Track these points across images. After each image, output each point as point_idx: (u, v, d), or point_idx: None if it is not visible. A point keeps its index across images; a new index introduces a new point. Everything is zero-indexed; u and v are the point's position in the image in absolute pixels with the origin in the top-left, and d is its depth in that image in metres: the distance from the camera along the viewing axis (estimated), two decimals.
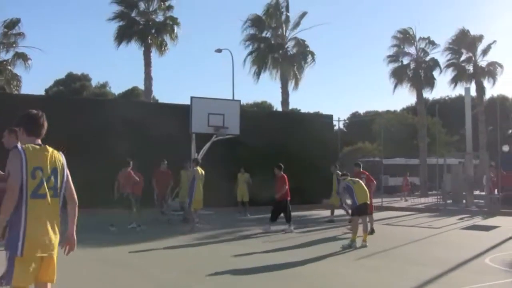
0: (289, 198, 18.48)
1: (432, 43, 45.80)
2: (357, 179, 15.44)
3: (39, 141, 5.58)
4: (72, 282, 9.10)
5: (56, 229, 5.42)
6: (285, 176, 18.54)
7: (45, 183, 5.33)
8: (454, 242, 16.15)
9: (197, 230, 17.82)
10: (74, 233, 5.64)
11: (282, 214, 18.45)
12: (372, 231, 17.07)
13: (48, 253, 5.34)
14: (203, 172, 18.90)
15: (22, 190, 5.21)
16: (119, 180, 18.94)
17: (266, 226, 18.22)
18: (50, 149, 5.54)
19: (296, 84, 42.18)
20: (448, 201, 30.48)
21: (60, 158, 5.61)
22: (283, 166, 18.94)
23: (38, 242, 5.22)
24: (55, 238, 5.39)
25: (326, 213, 22.34)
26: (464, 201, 29.54)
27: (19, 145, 5.45)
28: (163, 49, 41.02)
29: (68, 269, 10.70)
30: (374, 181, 18.55)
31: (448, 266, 11.07)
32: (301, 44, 41.99)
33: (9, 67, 39.67)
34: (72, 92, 68.78)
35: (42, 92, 69.55)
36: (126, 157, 19.26)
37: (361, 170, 18.72)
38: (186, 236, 16.59)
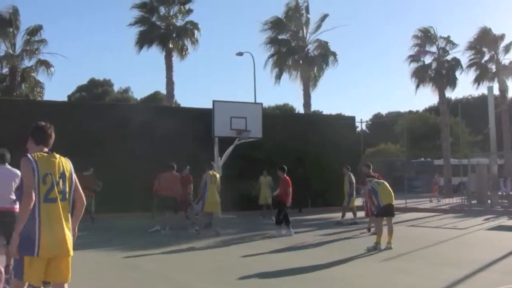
0: (288, 203, 18.33)
1: (451, 42, 45.54)
2: (382, 180, 15.30)
3: (47, 150, 5.92)
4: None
5: (67, 230, 5.77)
6: (288, 179, 18.35)
7: (55, 188, 5.70)
8: (480, 243, 16.04)
9: (200, 234, 17.89)
10: (76, 228, 5.99)
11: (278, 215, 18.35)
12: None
13: (62, 253, 5.71)
14: (218, 175, 19.04)
15: (35, 195, 5.56)
16: (159, 182, 19.31)
17: (278, 231, 17.87)
18: (58, 156, 5.89)
19: (317, 85, 42.22)
20: (473, 202, 30.23)
21: (67, 164, 5.95)
22: (286, 169, 18.75)
23: (52, 244, 5.58)
24: (68, 239, 5.76)
25: (350, 215, 22.22)
26: (489, 201, 29.29)
27: (28, 154, 5.78)
28: (184, 53, 41.15)
29: (97, 274, 10.80)
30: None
31: (475, 267, 10.98)
32: (323, 46, 41.91)
33: (33, 74, 39.98)
34: (94, 98, 69.21)
35: (65, 98, 70.15)
36: (166, 161, 19.77)
37: (371, 171, 18.84)
38: (209, 239, 16.60)
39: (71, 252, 5.81)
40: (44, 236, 5.55)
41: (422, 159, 53.24)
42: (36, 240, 5.52)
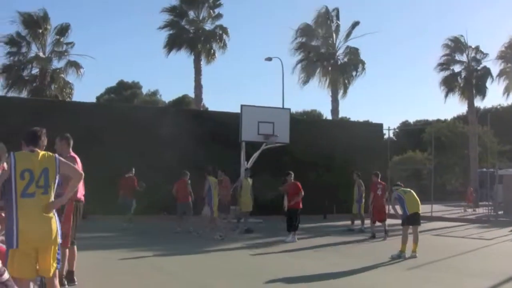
0: (299, 207, 18.11)
1: (481, 52, 45.24)
2: (409, 189, 15.22)
3: (36, 149, 6.43)
4: None
5: (51, 222, 6.17)
6: (298, 184, 18.11)
7: (34, 183, 6.13)
8: (507, 254, 15.94)
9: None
10: (62, 200, 6.50)
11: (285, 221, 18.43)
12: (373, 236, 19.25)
13: (44, 245, 6.12)
14: (249, 181, 19.39)
15: (12, 191, 6.05)
16: (177, 189, 19.98)
17: (290, 238, 17.73)
18: (42, 153, 6.37)
19: (345, 92, 42.25)
20: (499, 212, 29.98)
21: (52, 160, 6.38)
22: (293, 173, 18.70)
23: (30, 236, 5.99)
24: (49, 232, 6.14)
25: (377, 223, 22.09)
26: None
27: (12, 152, 6.28)
28: (212, 57, 41.39)
29: (118, 276, 10.92)
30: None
31: (501, 279, 10.92)
32: (353, 53, 41.99)
33: (62, 75, 40.38)
34: (123, 100, 69.64)
35: (94, 100, 70.69)
36: (182, 168, 20.38)
37: (379, 180, 20.00)
38: (231, 243, 16.68)
39: (56, 243, 6.21)
40: (23, 229, 5.95)
41: (484, 169, 52.80)
42: (14, 233, 5.96)
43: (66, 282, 9.03)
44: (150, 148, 24.68)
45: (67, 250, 9.08)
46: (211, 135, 25.97)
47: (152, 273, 11.34)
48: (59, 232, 6.34)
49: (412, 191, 14.97)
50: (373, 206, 20.04)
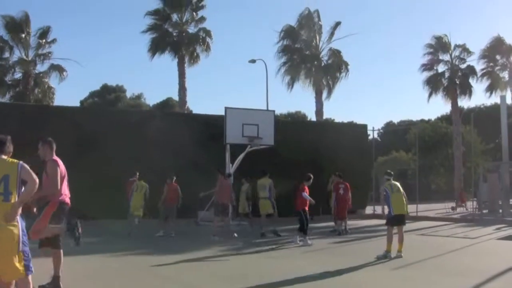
0: (303, 208, 17.81)
1: (467, 50, 45.50)
2: (398, 184, 14.96)
3: (4, 157, 6.61)
4: None
5: (8, 231, 6.20)
6: (304, 186, 17.88)
7: None
8: (491, 253, 16.01)
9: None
10: (15, 207, 6.33)
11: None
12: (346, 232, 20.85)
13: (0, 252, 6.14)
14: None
15: None
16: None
17: (303, 240, 17.51)
18: (4, 160, 6.47)
19: (330, 94, 42.35)
20: (484, 211, 30.13)
21: (13, 166, 6.42)
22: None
23: None
24: (6, 240, 6.18)
25: (361, 223, 22.23)
26: (500, 210, 29.19)
27: None
28: (196, 60, 41.43)
29: (112, 281, 10.88)
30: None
31: (485, 277, 10.95)
32: (336, 55, 42.12)
33: (45, 79, 40.27)
34: (107, 104, 69.44)
35: (78, 104, 70.45)
36: (169, 171, 20.58)
37: (341, 180, 21.55)
38: (225, 246, 16.68)
39: (14, 252, 6.21)
40: None
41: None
42: None
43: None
44: (140, 151, 24.52)
45: (61, 254, 9.09)
46: (197, 137, 25.93)
47: (147, 277, 11.32)
48: (22, 240, 6.37)
49: (400, 189, 14.81)
50: (336, 205, 21.28)
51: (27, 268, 6.41)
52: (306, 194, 17.60)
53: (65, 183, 9.13)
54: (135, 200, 20.27)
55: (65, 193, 9.13)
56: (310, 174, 18.38)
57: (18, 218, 6.38)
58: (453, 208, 34.54)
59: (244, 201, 23.45)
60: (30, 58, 39.64)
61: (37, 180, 6.59)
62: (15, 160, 6.52)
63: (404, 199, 14.78)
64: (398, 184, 15.01)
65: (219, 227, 19.77)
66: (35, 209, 7.39)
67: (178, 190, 20.18)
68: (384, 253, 14.10)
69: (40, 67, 40.68)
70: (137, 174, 21.50)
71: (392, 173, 15.60)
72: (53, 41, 40.45)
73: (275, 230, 20.26)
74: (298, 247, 16.61)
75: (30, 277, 6.61)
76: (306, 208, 17.81)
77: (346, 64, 42.52)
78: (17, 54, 39.38)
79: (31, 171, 6.57)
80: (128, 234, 19.39)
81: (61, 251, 9.18)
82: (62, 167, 8.95)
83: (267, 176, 20.72)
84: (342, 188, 21.70)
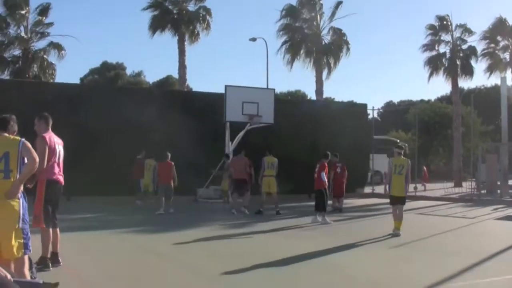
0: (324, 187, 17.81)
1: (468, 31, 45.24)
2: (403, 165, 14.86)
3: (6, 134, 6.58)
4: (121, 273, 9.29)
5: (9, 208, 6.24)
6: (324, 164, 17.82)
7: None
8: (489, 233, 16.09)
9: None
10: (16, 184, 6.32)
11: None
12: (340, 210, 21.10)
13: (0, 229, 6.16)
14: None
15: None
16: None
17: (323, 219, 17.46)
18: (5, 137, 6.46)
19: (330, 73, 42.22)
20: (482, 192, 30.18)
21: (16, 143, 6.39)
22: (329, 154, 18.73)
23: None
24: (6, 217, 6.21)
25: (361, 202, 22.27)
26: (498, 191, 29.25)
27: None
28: (196, 38, 41.21)
29: (120, 259, 10.95)
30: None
31: (483, 256, 11.02)
32: (337, 33, 41.91)
33: (44, 56, 40.13)
34: (107, 81, 69.29)
35: (78, 81, 70.30)
36: (165, 149, 20.42)
37: (338, 160, 21.79)
38: (219, 224, 16.75)
39: (13, 228, 6.22)
40: None
41: None
42: None
43: (50, 264, 8.97)
44: (139, 129, 24.42)
45: (50, 232, 9.03)
46: (195, 115, 25.92)
47: (141, 254, 11.38)
48: (23, 217, 6.37)
49: (403, 169, 14.78)
50: (334, 183, 21.55)
51: (25, 246, 6.38)
52: (324, 175, 17.64)
53: (56, 160, 9.00)
54: (147, 178, 21.83)
55: (56, 171, 9.04)
56: (327, 152, 18.46)
57: (20, 195, 6.38)
58: (415, 188, 34.06)
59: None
60: (29, 35, 39.48)
61: (37, 158, 6.57)
62: (17, 138, 6.49)
63: (403, 183, 14.78)
64: (404, 163, 14.97)
65: (237, 203, 20.58)
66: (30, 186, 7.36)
67: (173, 168, 20.16)
68: (394, 231, 14.37)
69: (40, 44, 40.60)
70: (144, 152, 21.83)
71: (403, 146, 15.56)
72: (52, 24, 40.41)
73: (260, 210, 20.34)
74: (301, 228, 16.58)
75: (26, 256, 6.57)
76: (326, 187, 17.93)
77: (348, 44, 42.34)
78: (16, 31, 39.24)
79: (32, 149, 6.56)
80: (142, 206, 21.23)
81: (51, 230, 9.08)
82: (53, 144, 8.84)
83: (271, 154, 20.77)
84: (340, 167, 22.04)
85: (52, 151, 8.82)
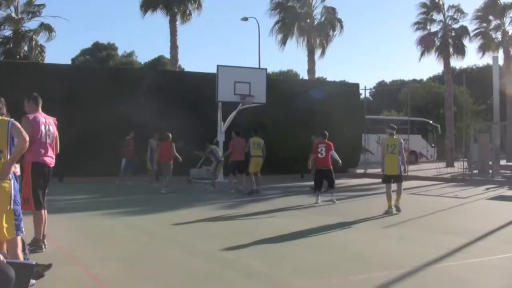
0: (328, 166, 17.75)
1: (460, 11, 45.18)
2: (395, 145, 14.99)
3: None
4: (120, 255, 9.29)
5: (2, 185, 6.20)
6: (331, 143, 17.73)
7: None
8: (481, 212, 16.14)
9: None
10: (7, 165, 6.27)
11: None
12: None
13: None
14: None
15: None
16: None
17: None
18: None
19: (323, 52, 42.17)
20: (474, 171, 30.26)
21: (4, 124, 6.34)
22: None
23: None
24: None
25: (353, 181, 22.30)
26: (490, 171, 29.32)
27: None
28: (187, 18, 41.01)
29: (115, 241, 10.94)
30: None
31: (475, 236, 11.05)
32: (329, 12, 41.76)
33: (34, 37, 39.85)
34: (98, 62, 69.04)
35: (69, 62, 70.01)
36: (164, 131, 20.71)
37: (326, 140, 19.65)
38: (215, 204, 16.76)
39: (4, 210, 6.18)
40: None
41: None
42: None
43: (43, 245, 8.95)
44: (132, 110, 24.32)
45: (43, 214, 8.97)
46: (187, 95, 25.87)
47: (135, 235, 11.37)
48: (14, 198, 6.33)
49: (396, 149, 14.86)
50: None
51: (17, 227, 6.35)
52: (334, 152, 17.57)
53: (43, 140, 8.84)
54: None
55: (42, 153, 8.86)
56: (325, 132, 18.09)
57: (11, 176, 6.33)
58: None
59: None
60: (19, 16, 39.19)
61: (27, 138, 6.47)
62: (6, 118, 6.43)
63: (397, 161, 14.84)
64: (396, 142, 15.05)
65: (236, 183, 20.83)
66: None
67: (173, 148, 20.22)
68: (386, 210, 14.48)
69: (31, 25, 40.35)
70: (132, 133, 21.95)
71: (395, 127, 15.60)
72: (43, 5, 40.13)
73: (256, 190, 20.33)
74: (302, 209, 16.62)
75: (19, 238, 6.56)
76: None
77: (341, 22, 42.22)
78: (6, 11, 38.97)
79: (21, 128, 6.48)
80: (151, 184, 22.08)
81: (43, 212, 9.02)
82: (40, 126, 8.73)
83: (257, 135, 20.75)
84: (325, 147, 21.42)
85: (36, 131, 8.65)
